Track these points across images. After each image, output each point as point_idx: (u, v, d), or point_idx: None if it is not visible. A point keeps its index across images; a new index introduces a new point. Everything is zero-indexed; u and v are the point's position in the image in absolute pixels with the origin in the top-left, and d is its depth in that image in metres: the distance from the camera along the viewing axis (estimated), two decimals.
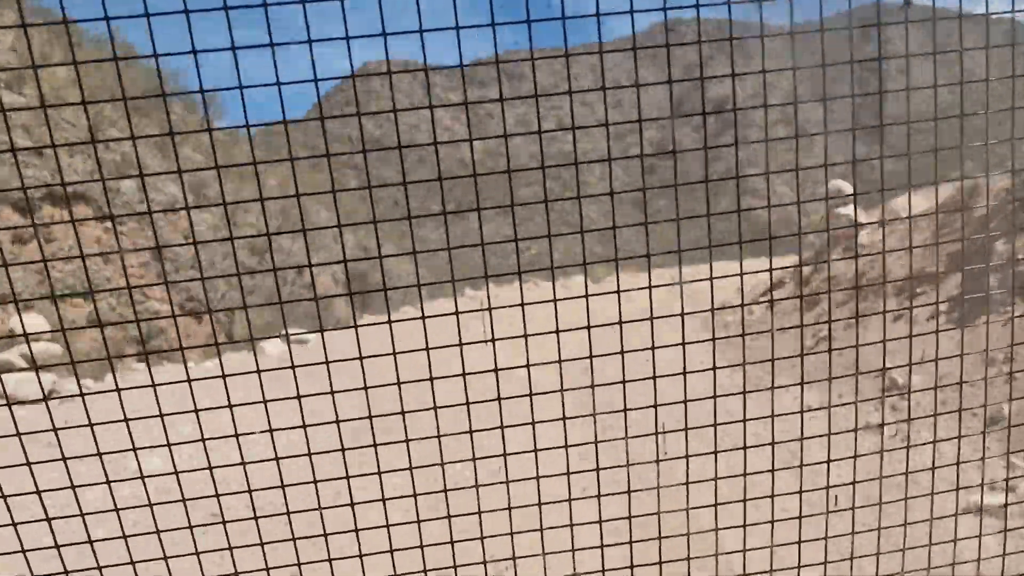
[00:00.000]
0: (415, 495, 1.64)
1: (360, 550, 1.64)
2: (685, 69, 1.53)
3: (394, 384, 1.56)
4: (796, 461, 5.05)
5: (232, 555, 1.62)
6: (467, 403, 1.61)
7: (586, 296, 1.54)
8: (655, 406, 1.70)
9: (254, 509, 1.59)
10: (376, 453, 1.61)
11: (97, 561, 1.54)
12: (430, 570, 1.64)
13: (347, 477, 1.60)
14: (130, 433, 1.50)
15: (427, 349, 1.58)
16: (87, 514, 1.53)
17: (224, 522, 1.47)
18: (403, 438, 1.63)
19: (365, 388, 1.57)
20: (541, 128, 1.54)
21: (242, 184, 15.91)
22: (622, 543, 1.73)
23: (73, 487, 1.50)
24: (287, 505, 1.65)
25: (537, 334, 1.61)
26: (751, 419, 1.67)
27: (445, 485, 1.65)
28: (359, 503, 1.64)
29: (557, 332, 1.59)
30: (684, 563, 1.73)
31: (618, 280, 1.62)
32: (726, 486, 1.88)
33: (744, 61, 1.50)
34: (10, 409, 1.39)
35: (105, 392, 1.48)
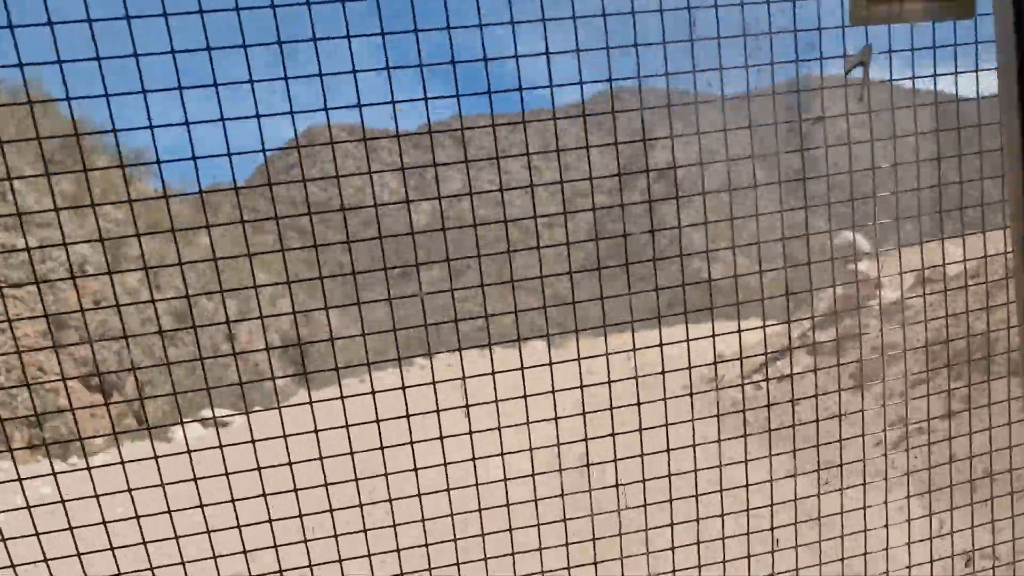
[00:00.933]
0: None
1: None
2: (630, 135, 1.59)
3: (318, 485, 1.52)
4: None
5: None
6: (419, 494, 1.58)
7: (578, 358, 1.54)
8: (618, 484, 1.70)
9: None
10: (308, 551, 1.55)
11: None
12: None
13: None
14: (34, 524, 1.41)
15: (377, 420, 1.55)
16: None
17: None
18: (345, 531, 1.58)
19: (295, 490, 1.52)
20: (502, 188, 1.56)
21: (169, 246, 15.42)
22: None
23: None
24: None
25: (510, 397, 1.59)
26: (719, 489, 1.67)
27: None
28: None
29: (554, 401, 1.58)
30: None
31: (633, 341, 1.63)
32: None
33: (686, 128, 1.57)
34: None
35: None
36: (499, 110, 1.61)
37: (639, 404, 1.67)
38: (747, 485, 1.75)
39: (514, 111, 1.64)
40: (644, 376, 1.61)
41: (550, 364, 1.70)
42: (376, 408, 1.57)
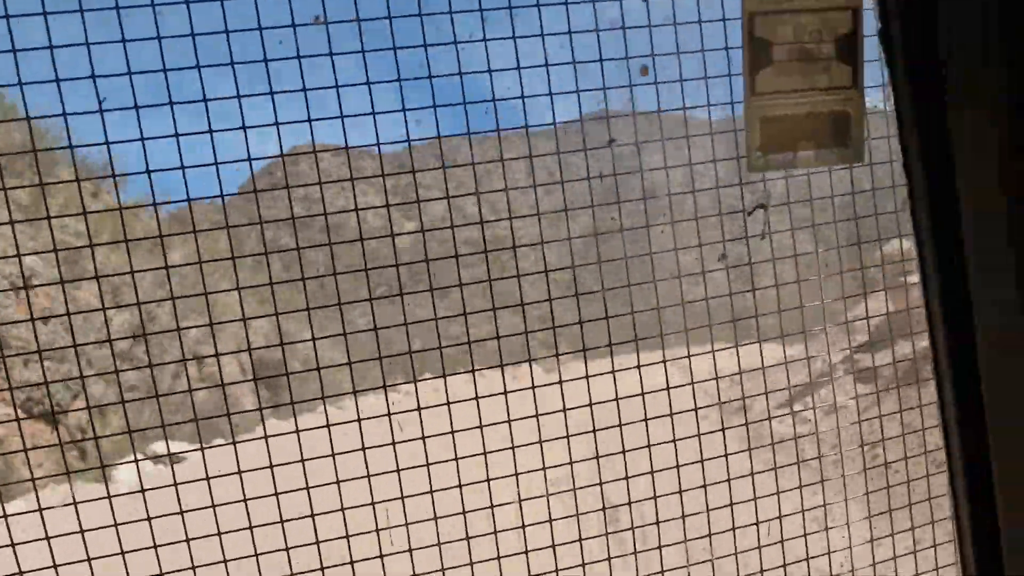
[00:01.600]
0: None
1: None
2: (616, 156, 1.61)
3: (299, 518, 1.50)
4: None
5: None
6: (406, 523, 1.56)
7: (586, 376, 1.54)
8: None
9: None
10: None
11: None
12: None
13: None
14: None
15: (365, 448, 1.53)
16: None
17: None
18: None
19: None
20: (480, 214, 1.57)
21: (135, 262, 15.10)
22: None
23: None
24: None
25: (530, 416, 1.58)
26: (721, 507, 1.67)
27: None
28: None
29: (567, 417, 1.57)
30: None
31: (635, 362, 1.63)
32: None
33: (674, 151, 1.58)
34: None
35: None
36: (483, 128, 1.62)
37: (674, 441, 1.67)
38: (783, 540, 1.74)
39: (507, 129, 1.65)
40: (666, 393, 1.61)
41: (559, 382, 1.70)
42: (362, 434, 1.55)
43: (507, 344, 1.75)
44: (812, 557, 1.75)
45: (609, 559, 1.73)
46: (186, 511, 1.47)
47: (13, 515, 1.30)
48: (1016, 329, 1.08)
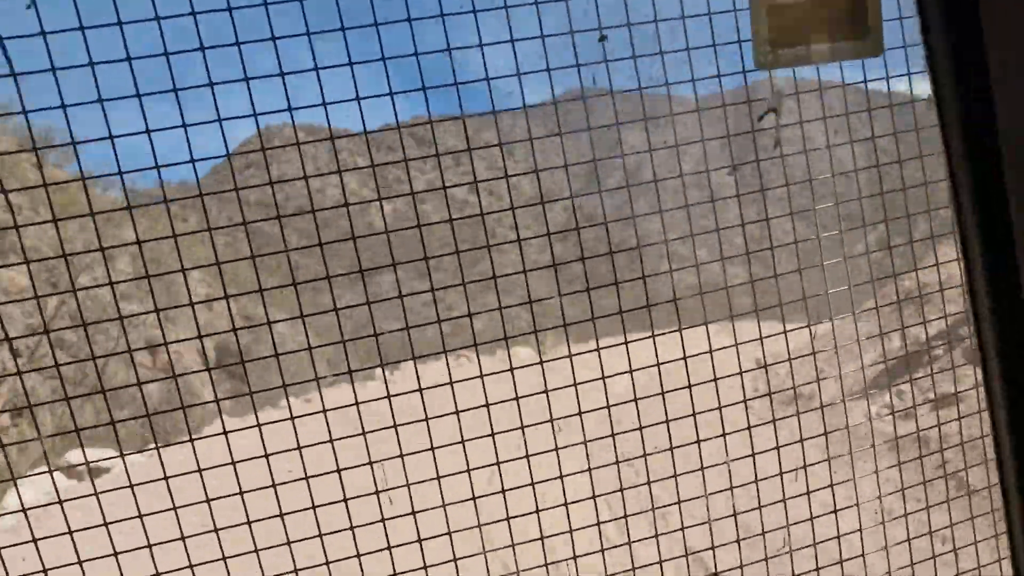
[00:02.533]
0: None
1: None
2: (597, 136, 1.59)
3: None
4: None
5: None
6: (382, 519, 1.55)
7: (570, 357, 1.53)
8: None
9: None
10: None
11: None
12: None
13: None
14: None
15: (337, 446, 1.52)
16: None
17: None
18: None
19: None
20: (477, 179, 1.55)
21: (90, 241, 14.43)
22: None
23: None
24: None
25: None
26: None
27: None
28: None
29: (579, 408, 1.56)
30: None
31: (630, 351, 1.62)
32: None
33: (655, 130, 1.57)
34: None
35: None
36: (464, 110, 1.59)
37: (698, 440, 1.67)
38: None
39: (477, 111, 1.62)
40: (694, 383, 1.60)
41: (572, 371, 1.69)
42: (329, 427, 1.53)
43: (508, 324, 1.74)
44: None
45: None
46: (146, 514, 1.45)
47: None
48: None
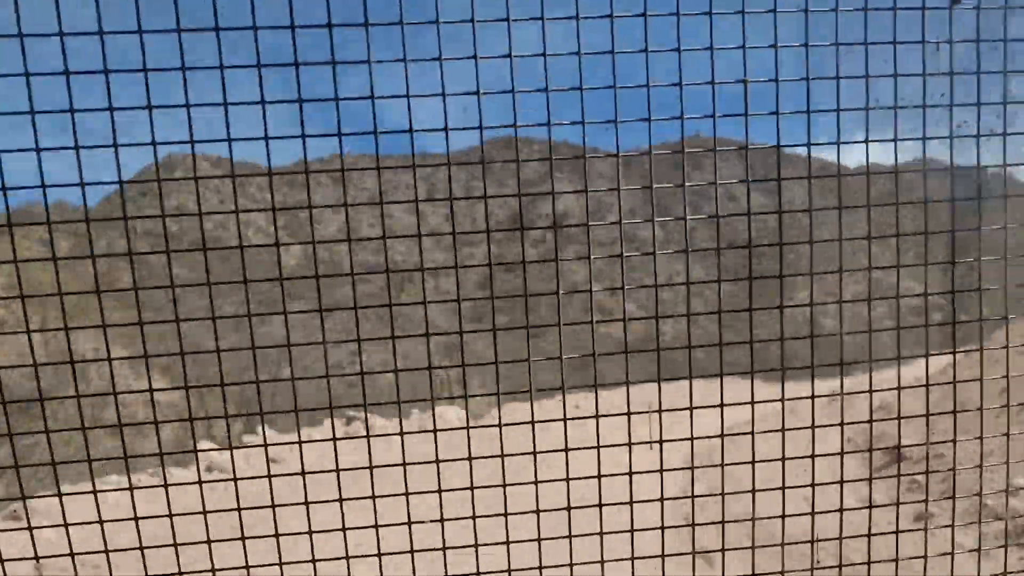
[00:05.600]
0: None
1: None
2: (522, 185, 1.63)
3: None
4: None
5: None
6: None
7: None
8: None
9: None
10: None
11: None
12: None
13: None
14: None
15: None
16: None
17: None
18: None
19: None
20: (385, 234, 1.54)
21: None
22: None
23: None
24: None
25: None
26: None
27: None
28: None
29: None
30: None
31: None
32: None
33: (580, 181, 1.62)
34: None
35: None
36: (381, 152, 1.60)
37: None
38: None
39: (397, 153, 1.64)
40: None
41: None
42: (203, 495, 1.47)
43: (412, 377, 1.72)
44: None
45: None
46: None
47: None
48: None
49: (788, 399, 1.63)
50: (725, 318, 1.70)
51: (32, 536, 1.34)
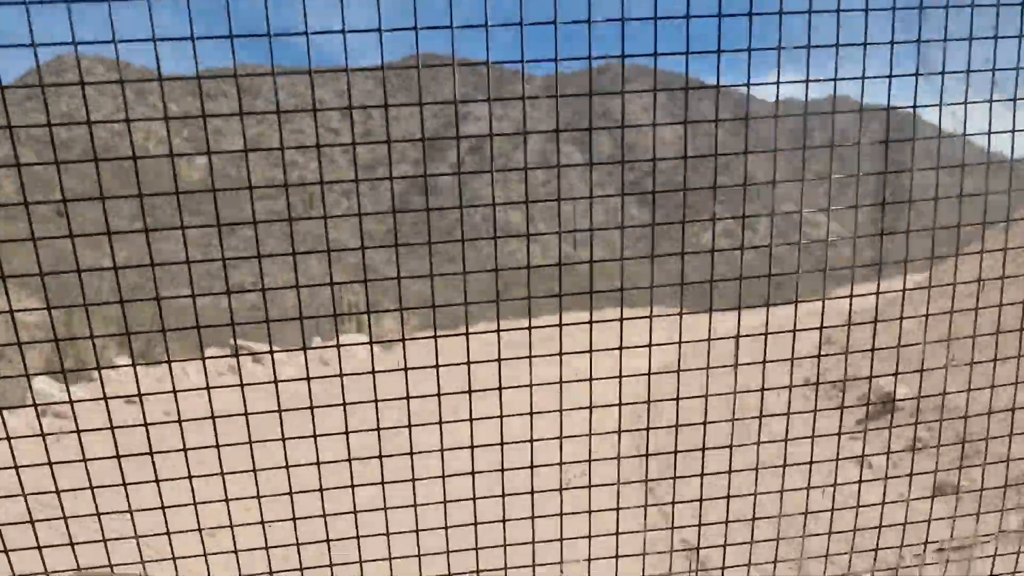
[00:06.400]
0: None
1: None
2: (440, 108, 1.60)
3: None
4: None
5: None
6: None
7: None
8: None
9: None
10: None
11: None
12: None
13: None
14: None
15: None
16: None
17: None
18: None
19: None
20: (283, 146, 1.50)
21: None
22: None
23: None
24: None
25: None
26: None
27: None
28: None
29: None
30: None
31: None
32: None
33: (501, 103, 1.60)
34: None
35: None
36: (292, 63, 1.54)
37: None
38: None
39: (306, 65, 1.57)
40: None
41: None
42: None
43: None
44: None
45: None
46: None
47: None
48: None
49: (743, 335, 1.71)
50: (644, 253, 1.74)
51: None
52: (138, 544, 1.57)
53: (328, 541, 1.72)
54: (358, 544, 1.71)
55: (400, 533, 1.73)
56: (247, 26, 1.44)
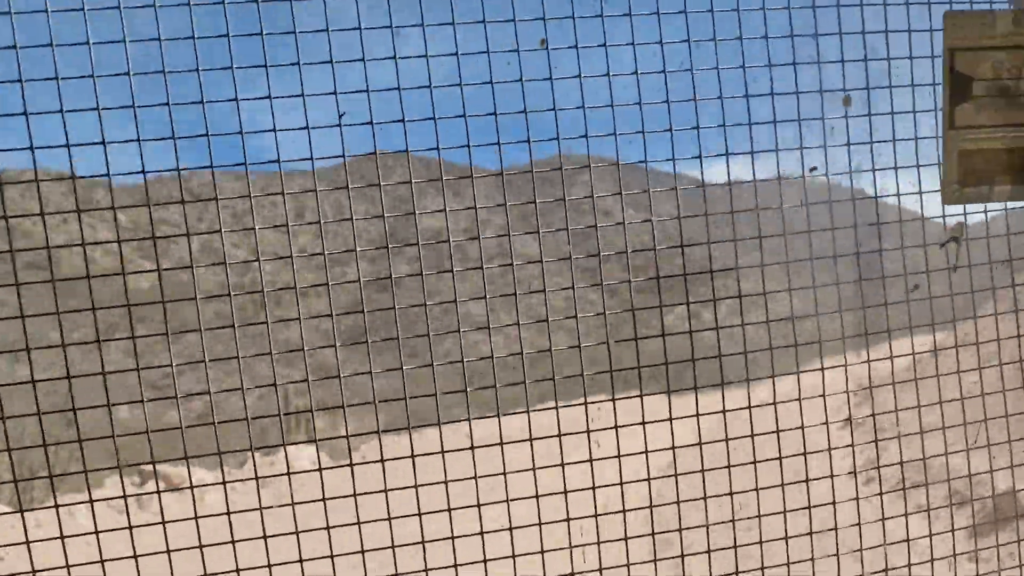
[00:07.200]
0: None
1: None
2: (394, 202, 1.61)
3: None
4: None
5: None
6: None
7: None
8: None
9: None
10: None
11: None
12: None
13: None
14: None
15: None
16: None
17: None
18: None
19: None
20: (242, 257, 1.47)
21: None
22: None
23: None
24: None
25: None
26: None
27: None
28: None
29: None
30: None
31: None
32: None
33: (455, 199, 1.61)
34: None
35: None
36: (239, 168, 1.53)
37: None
38: None
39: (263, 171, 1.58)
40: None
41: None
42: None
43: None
44: None
45: None
46: None
47: None
48: None
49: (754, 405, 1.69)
50: (621, 336, 1.74)
51: None
52: None
53: None
54: None
55: None
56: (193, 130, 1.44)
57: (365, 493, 1.58)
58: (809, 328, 1.81)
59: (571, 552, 1.67)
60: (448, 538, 1.60)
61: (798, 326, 1.77)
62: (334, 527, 1.57)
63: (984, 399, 1.82)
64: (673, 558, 1.83)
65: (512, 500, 1.62)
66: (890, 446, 1.90)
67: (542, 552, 1.66)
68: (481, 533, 1.66)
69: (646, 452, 1.71)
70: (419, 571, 1.60)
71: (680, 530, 1.78)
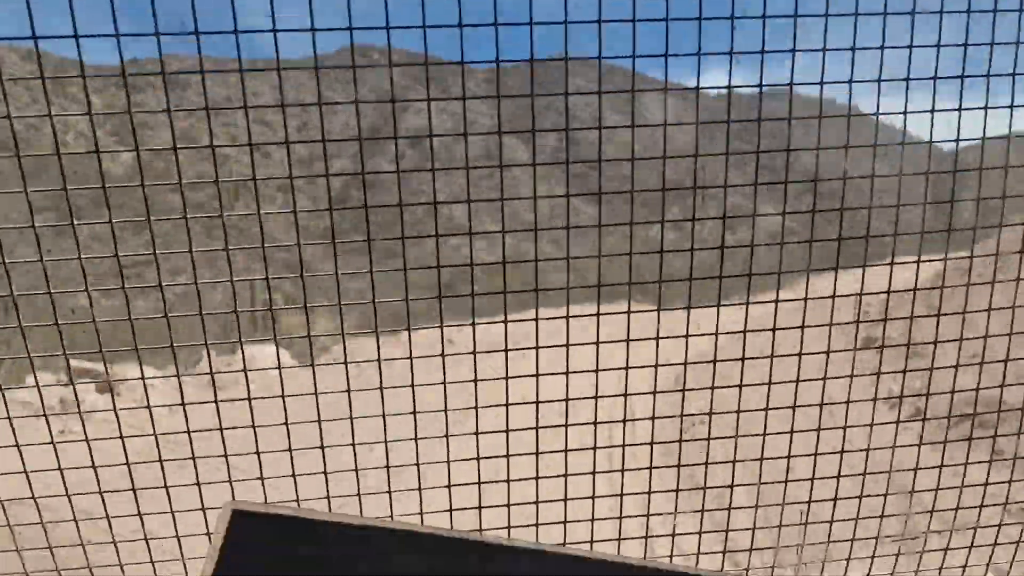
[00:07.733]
0: None
1: None
2: (378, 96, 1.56)
3: None
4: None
5: None
6: None
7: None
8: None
9: None
10: None
11: None
12: None
13: None
14: None
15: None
16: None
17: None
18: None
19: None
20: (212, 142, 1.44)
21: None
22: None
23: None
24: None
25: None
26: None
27: None
28: None
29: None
30: None
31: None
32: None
33: (442, 95, 1.57)
34: None
35: None
36: (229, 55, 1.48)
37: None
38: None
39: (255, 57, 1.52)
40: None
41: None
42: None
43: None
44: None
45: None
46: None
47: None
48: None
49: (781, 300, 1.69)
50: (590, 249, 1.73)
51: None
52: None
53: None
54: None
55: None
56: (177, 14, 1.37)
57: (327, 392, 1.60)
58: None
59: (536, 458, 1.71)
60: (412, 438, 1.63)
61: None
62: (293, 423, 1.60)
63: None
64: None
65: (481, 407, 1.64)
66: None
67: (507, 455, 1.71)
68: (447, 436, 1.70)
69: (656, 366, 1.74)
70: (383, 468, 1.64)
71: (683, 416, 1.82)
